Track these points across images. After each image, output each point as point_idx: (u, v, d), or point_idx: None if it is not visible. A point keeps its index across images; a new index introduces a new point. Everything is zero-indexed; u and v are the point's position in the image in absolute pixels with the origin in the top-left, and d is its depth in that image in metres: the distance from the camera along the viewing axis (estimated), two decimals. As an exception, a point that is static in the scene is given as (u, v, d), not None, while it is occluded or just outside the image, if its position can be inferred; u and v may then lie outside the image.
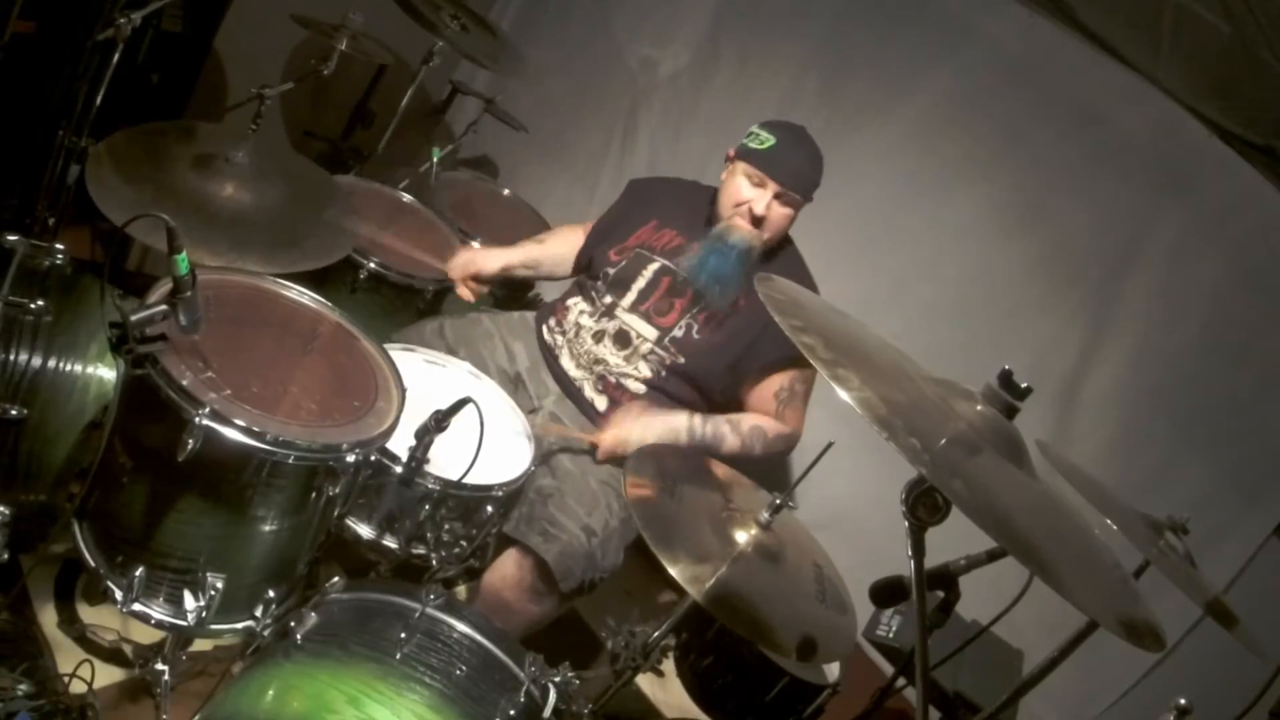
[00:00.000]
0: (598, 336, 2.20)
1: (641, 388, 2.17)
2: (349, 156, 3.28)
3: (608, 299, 2.23)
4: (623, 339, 2.18)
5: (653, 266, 2.22)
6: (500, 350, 2.29)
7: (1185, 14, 2.38)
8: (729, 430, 2.12)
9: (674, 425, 2.09)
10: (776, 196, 2.11)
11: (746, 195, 2.12)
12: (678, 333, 2.15)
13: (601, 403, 2.20)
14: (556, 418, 2.18)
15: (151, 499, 1.51)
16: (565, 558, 1.91)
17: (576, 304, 2.27)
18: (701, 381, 2.17)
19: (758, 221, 2.11)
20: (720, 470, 1.99)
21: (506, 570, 1.95)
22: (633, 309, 2.20)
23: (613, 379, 2.18)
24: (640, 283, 2.21)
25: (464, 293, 2.40)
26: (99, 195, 1.75)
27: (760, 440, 2.14)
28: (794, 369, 2.14)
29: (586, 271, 2.36)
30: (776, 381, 2.15)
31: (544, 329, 2.31)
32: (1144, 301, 2.64)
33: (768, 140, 2.11)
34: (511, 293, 2.94)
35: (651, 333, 2.17)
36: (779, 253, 2.25)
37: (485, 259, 2.42)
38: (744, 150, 2.14)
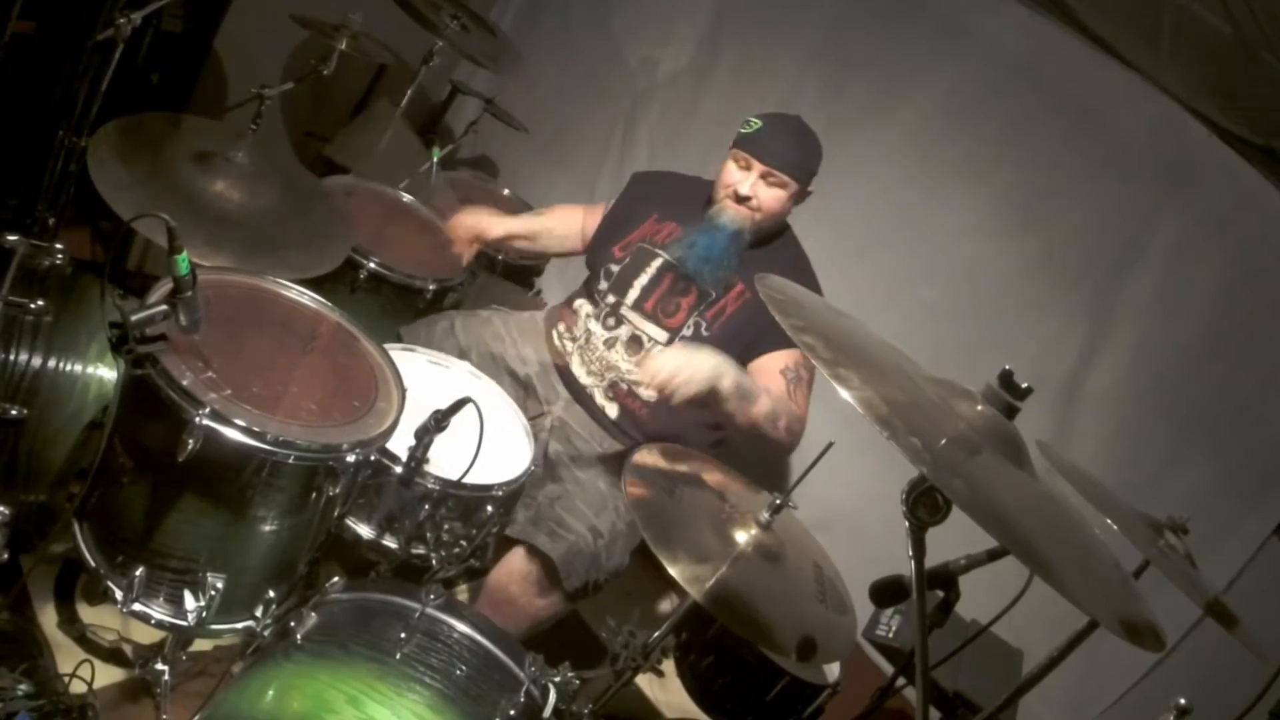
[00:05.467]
0: (610, 343, 2.20)
1: (653, 393, 2.17)
2: (349, 156, 3.27)
3: (611, 298, 2.22)
4: (635, 345, 2.18)
5: (656, 263, 2.22)
6: (511, 351, 2.29)
7: (1185, 14, 2.38)
8: (763, 392, 2.01)
9: (714, 361, 1.91)
10: (763, 177, 2.12)
11: (734, 178, 2.14)
12: (686, 332, 2.15)
13: (612, 410, 2.19)
14: (565, 423, 2.18)
15: (152, 499, 1.51)
16: (571, 557, 1.91)
17: (584, 307, 2.27)
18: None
19: (744, 201, 2.13)
20: (720, 471, 1.99)
21: (514, 565, 1.95)
22: (637, 307, 2.19)
23: (624, 385, 2.18)
24: (643, 279, 2.21)
25: (463, 251, 2.42)
26: (97, 174, 1.76)
27: (785, 413, 2.05)
28: (799, 352, 2.11)
29: (590, 269, 2.36)
30: (782, 360, 2.12)
31: (553, 334, 2.31)
32: (1144, 301, 2.64)
33: (755, 125, 2.14)
34: (512, 291, 2.94)
35: (662, 335, 2.16)
36: (781, 249, 2.25)
37: (490, 224, 2.43)
38: (736, 137, 2.17)
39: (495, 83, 3.53)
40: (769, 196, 2.13)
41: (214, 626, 1.57)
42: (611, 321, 2.21)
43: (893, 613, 2.10)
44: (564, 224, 2.47)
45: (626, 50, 3.59)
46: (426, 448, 1.66)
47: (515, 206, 3.15)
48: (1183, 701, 1.29)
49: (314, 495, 1.58)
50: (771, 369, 2.13)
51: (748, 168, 2.13)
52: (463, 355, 2.19)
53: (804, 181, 2.16)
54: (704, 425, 2.22)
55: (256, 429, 1.41)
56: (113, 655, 1.87)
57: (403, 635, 1.46)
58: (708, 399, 1.89)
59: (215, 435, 1.39)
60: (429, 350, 2.09)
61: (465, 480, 1.72)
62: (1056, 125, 2.73)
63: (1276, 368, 2.51)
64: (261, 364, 1.59)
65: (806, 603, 1.74)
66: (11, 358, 1.65)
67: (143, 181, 1.81)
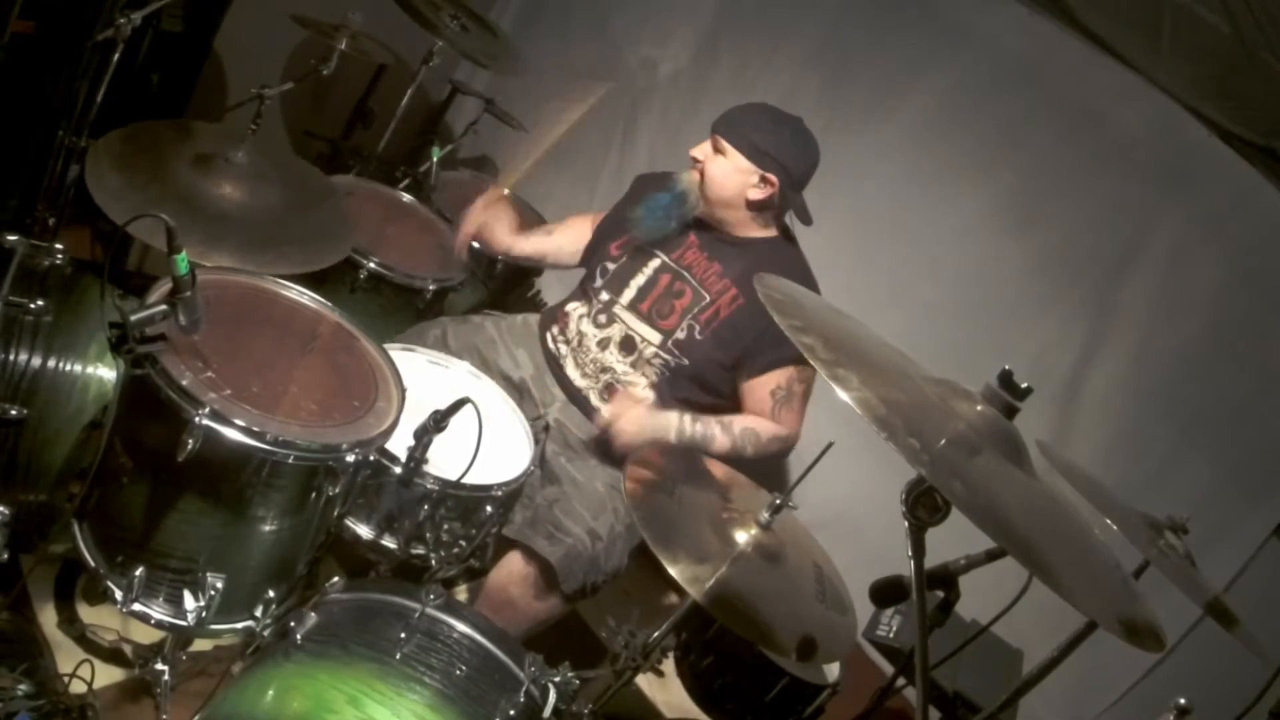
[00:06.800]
0: (603, 344, 2.20)
1: (649, 394, 2.17)
2: (349, 156, 3.28)
3: (605, 296, 2.22)
4: (628, 345, 2.18)
5: (653, 263, 2.22)
6: (505, 357, 2.29)
7: (1185, 14, 2.38)
8: (719, 430, 2.11)
9: (665, 424, 2.09)
10: (714, 143, 2.14)
11: (695, 150, 2.19)
12: (680, 335, 2.15)
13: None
14: (562, 425, 2.18)
15: (151, 499, 1.51)
16: (569, 560, 1.92)
17: (577, 309, 2.27)
18: (707, 382, 2.17)
19: (695, 165, 2.17)
20: (720, 471, 1.99)
21: (513, 567, 1.95)
22: (631, 308, 2.19)
23: (619, 387, 2.18)
24: (639, 279, 2.21)
25: (461, 240, 2.49)
26: (94, 184, 1.76)
27: (752, 442, 2.13)
28: (792, 368, 2.13)
29: (587, 267, 2.35)
30: (773, 380, 2.14)
31: (548, 337, 2.30)
32: (1144, 301, 2.64)
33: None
34: (512, 292, 2.94)
35: (655, 336, 2.17)
36: (781, 254, 2.24)
37: (500, 235, 2.47)
38: None
39: (495, 83, 3.53)
40: (713, 163, 2.14)
41: (214, 626, 1.57)
42: (603, 319, 2.21)
43: (893, 613, 2.10)
44: (576, 239, 2.47)
45: (626, 50, 3.58)
46: (426, 448, 1.66)
47: (516, 207, 3.15)
48: (1183, 701, 1.30)
49: (314, 495, 1.58)
50: (761, 392, 2.15)
51: (708, 139, 2.18)
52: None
53: (748, 153, 2.10)
54: None
55: (256, 429, 1.41)
56: (113, 655, 1.87)
57: (403, 635, 1.46)
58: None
59: (215, 435, 1.39)
60: (429, 350, 2.09)
61: (464, 480, 1.72)
62: (1056, 125, 2.73)
63: (1276, 368, 2.51)
64: (261, 364, 1.59)
65: (806, 603, 1.74)
66: (11, 358, 1.66)
67: (141, 188, 1.81)
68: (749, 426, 2.14)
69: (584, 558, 1.94)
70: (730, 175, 2.13)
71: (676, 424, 2.10)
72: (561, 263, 2.51)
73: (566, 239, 2.48)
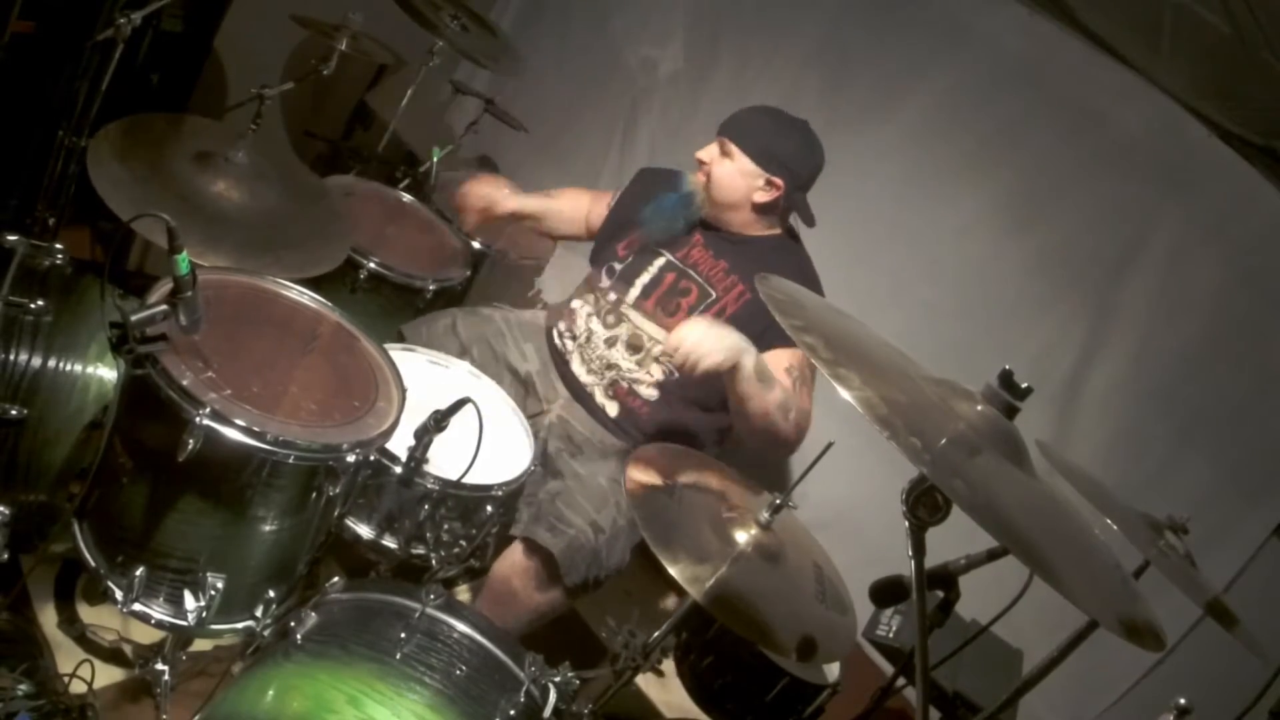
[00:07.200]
0: (610, 342, 2.20)
1: (654, 392, 2.17)
2: (349, 156, 3.28)
3: (612, 295, 2.23)
4: (635, 343, 2.18)
5: (659, 262, 2.23)
6: (513, 349, 2.29)
7: (1185, 14, 2.38)
8: (778, 382, 2.00)
9: (742, 344, 1.91)
10: (720, 147, 2.16)
11: (701, 153, 2.20)
12: None
13: (612, 408, 2.20)
14: (565, 422, 2.18)
15: (152, 499, 1.51)
16: (571, 551, 1.92)
17: (584, 307, 2.27)
18: (715, 380, 2.16)
19: (701, 167, 2.19)
20: (720, 471, 1.99)
21: (515, 559, 1.96)
22: (638, 306, 2.20)
23: (624, 384, 2.18)
24: (645, 278, 2.22)
25: (469, 221, 2.53)
26: (96, 174, 1.76)
27: (795, 406, 2.03)
28: (801, 351, 2.07)
29: (593, 266, 2.36)
30: (786, 359, 2.10)
31: (554, 333, 2.31)
32: (1144, 301, 2.64)
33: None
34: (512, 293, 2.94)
35: (661, 335, 2.17)
36: (785, 253, 2.25)
37: (503, 199, 2.50)
38: None
39: (495, 83, 3.53)
40: (719, 166, 2.16)
41: (214, 626, 1.57)
42: (612, 319, 2.22)
43: (893, 613, 2.10)
44: (571, 207, 2.53)
45: (626, 50, 3.58)
46: (426, 448, 1.66)
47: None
48: (1183, 701, 1.30)
49: (314, 495, 1.58)
50: (777, 366, 2.13)
51: (717, 141, 2.18)
52: (463, 352, 2.19)
53: (755, 157, 2.11)
54: (706, 426, 2.22)
55: (256, 429, 1.41)
56: (113, 655, 1.87)
57: (403, 635, 1.46)
58: (728, 376, 1.90)
59: (215, 435, 1.39)
60: (429, 350, 2.10)
61: (465, 480, 1.73)
62: (1056, 125, 2.73)
63: (1276, 368, 2.51)
64: (261, 364, 1.59)
65: (806, 603, 1.74)
66: (11, 358, 1.66)
67: (142, 180, 1.81)
68: (791, 391, 2.05)
69: (586, 549, 1.94)
70: (736, 179, 2.14)
71: (753, 357, 1.91)
72: (557, 229, 2.56)
73: (565, 205, 2.53)
